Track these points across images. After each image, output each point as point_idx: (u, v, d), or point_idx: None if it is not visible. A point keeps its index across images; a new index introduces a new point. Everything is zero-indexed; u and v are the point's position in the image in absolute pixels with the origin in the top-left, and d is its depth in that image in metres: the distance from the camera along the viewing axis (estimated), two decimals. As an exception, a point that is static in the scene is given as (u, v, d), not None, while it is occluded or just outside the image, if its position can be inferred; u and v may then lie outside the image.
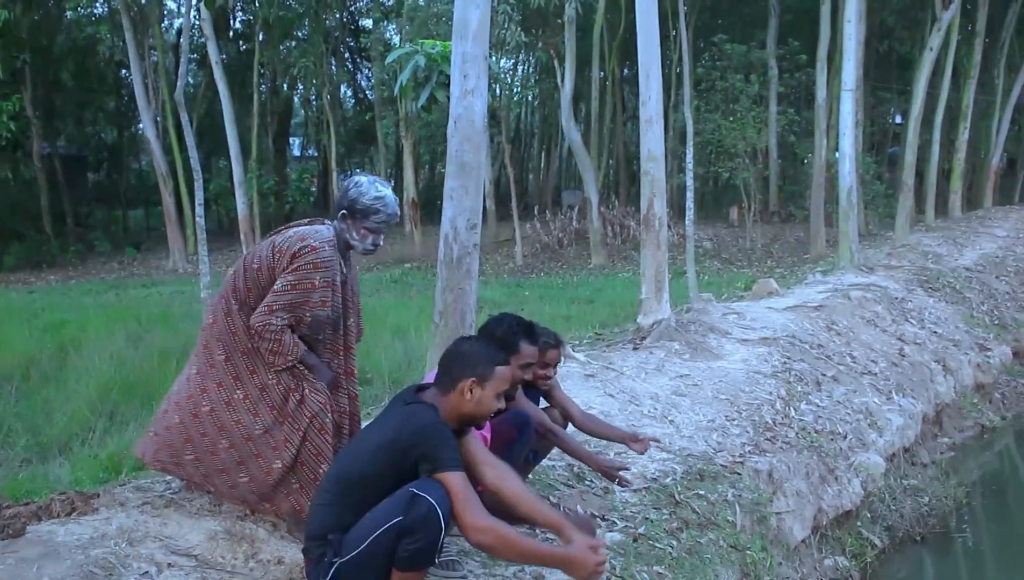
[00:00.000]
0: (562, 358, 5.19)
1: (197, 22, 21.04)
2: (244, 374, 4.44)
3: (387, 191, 4.49)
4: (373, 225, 4.46)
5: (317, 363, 4.49)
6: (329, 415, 4.45)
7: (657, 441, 5.33)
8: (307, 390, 4.43)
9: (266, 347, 4.35)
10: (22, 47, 27.43)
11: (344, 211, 4.48)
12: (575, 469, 5.83)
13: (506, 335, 4.40)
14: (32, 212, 30.07)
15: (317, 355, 4.54)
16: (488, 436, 4.42)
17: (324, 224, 4.58)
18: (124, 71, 32.81)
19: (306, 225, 4.59)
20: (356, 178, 4.57)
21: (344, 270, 4.58)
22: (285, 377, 4.42)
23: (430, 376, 4.54)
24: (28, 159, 29.09)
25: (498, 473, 3.79)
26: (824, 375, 9.08)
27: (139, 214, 37.30)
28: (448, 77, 6.75)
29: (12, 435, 8.38)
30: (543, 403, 5.27)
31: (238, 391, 4.44)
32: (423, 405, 3.75)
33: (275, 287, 4.35)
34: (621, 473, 5.03)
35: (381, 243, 4.57)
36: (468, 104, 6.37)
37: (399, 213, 4.54)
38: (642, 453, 5.27)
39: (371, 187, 4.47)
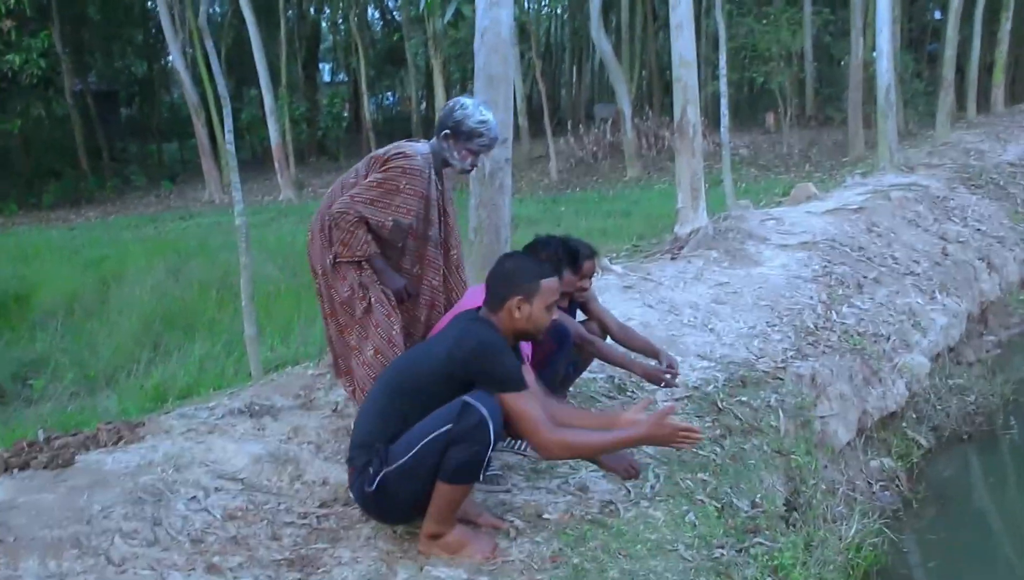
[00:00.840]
0: (598, 269, 5.15)
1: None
2: (334, 286, 4.59)
3: (490, 115, 4.61)
4: (476, 147, 4.59)
5: (385, 268, 4.56)
6: (396, 327, 4.52)
7: (674, 370, 5.15)
8: (373, 299, 4.52)
9: (338, 236, 4.48)
10: (47, -18, 27.34)
11: (448, 131, 4.58)
12: (616, 380, 5.82)
13: (550, 260, 4.36)
14: (68, 149, 30.22)
15: (401, 269, 4.65)
16: (529, 352, 4.40)
17: (421, 141, 4.75)
18: (150, 2, 32.61)
19: (405, 141, 4.77)
20: (461, 100, 4.68)
21: (439, 187, 4.71)
22: (356, 286, 4.52)
23: (470, 293, 4.53)
24: (60, 96, 29.09)
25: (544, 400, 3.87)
26: (865, 277, 8.97)
27: (174, 147, 37.41)
28: (473, -8, 6.64)
29: (60, 369, 8.55)
30: (580, 316, 5.25)
31: (329, 305, 4.66)
32: (481, 322, 3.76)
33: (363, 182, 4.53)
34: (666, 375, 5.00)
35: (479, 164, 4.85)
36: (494, 16, 6.28)
37: (499, 137, 4.74)
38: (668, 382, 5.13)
39: (476, 110, 4.57)
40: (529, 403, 3.61)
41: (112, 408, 6.90)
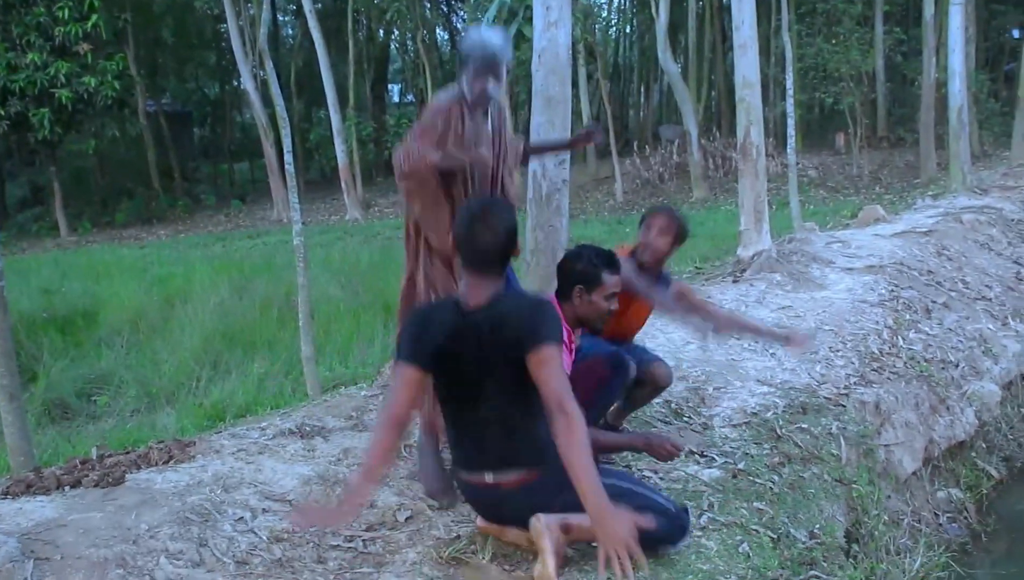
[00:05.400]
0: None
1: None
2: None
3: (490, 33, 4.26)
4: (472, 70, 4.21)
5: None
6: None
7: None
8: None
9: (396, 156, 4.26)
10: (123, 7, 27.95)
11: (458, 65, 4.35)
12: (672, 406, 5.73)
13: (586, 269, 4.26)
14: (140, 169, 30.87)
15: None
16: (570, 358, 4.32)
17: None
18: (222, 25, 33.18)
19: None
20: (470, 28, 4.38)
21: (489, 120, 4.40)
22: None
23: None
24: (134, 117, 29.74)
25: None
26: (934, 302, 8.75)
27: (244, 167, 37.93)
28: (534, 12, 6.62)
29: (123, 386, 8.66)
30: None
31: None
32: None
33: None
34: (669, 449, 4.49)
35: (491, 90, 4.25)
36: (551, 36, 6.26)
37: (502, 54, 4.22)
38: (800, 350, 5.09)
39: (474, 31, 4.33)
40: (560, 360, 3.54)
41: (170, 426, 6.96)
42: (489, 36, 4.25)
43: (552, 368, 3.41)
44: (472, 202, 3.83)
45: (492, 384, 3.59)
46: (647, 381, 4.92)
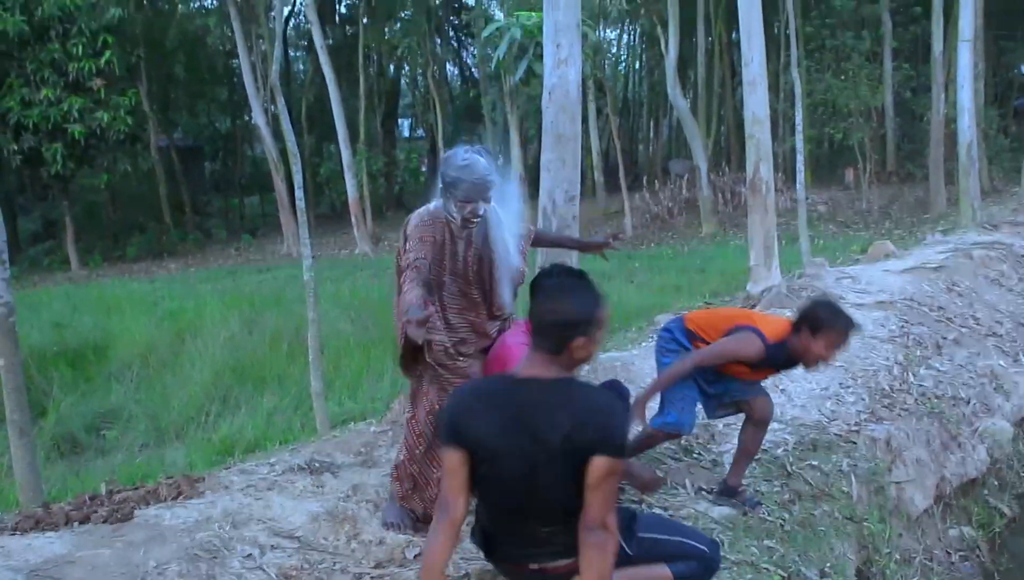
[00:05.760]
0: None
1: (302, 8, 21.27)
2: None
3: (475, 157, 4.21)
4: (462, 195, 4.21)
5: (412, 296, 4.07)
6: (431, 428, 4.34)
7: None
8: (421, 400, 4.46)
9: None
10: (136, 43, 28.22)
11: (442, 187, 4.31)
12: (682, 442, 5.70)
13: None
14: (152, 203, 31.04)
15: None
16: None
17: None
18: (234, 61, 33.45)
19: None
20: (451, 151, 4.37)
21: (467, 238, 4.40)
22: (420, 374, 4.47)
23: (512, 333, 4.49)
24: (146, 152, 29.95)
25: None
26: (945, 338, 8.71)
27: (255, 201, 38.08)
28: (546, 48, 6.65)
29: (133, 421, 8.66)
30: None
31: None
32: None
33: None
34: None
35: (480, 212, 4.26)
36: (562, 74, 6.27)
37: (490, 179, 4.22)
38: None
39: (457, 156, 4.24)
40: None
41: (179, 461, 6.96)
42: (477, 161, 4.21)
43: (613, 483, 3.10)
44: (553, 270, 3.30)
45: (546, 471, 3.11)
46: (751, 417, 4.94)
